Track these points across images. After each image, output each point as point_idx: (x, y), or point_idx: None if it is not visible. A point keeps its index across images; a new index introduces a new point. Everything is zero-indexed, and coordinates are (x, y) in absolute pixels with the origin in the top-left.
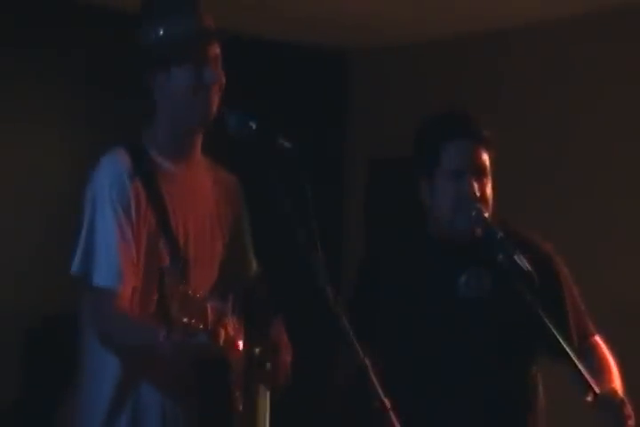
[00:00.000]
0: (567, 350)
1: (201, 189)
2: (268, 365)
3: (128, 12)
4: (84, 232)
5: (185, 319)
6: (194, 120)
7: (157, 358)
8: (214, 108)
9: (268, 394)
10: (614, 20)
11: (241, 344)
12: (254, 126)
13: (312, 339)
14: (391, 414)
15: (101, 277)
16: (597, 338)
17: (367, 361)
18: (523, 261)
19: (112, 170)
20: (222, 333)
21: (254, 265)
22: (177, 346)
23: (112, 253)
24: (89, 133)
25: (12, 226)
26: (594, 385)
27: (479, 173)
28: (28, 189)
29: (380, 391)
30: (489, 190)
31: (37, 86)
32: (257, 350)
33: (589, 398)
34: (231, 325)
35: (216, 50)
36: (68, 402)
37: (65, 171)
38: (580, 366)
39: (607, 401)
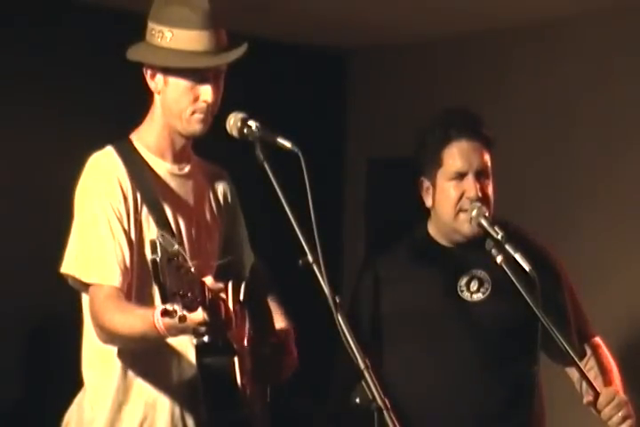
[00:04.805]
0: (567, 350)
1: (194, 186)
2: (272, 360)
3: (128, 11)
4: (74, 231)
5: (180, 291)
6: (185, 132)
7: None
8: (207, 124)
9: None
10: (614, 19)
11: (246, 333)
12: (254, 126)
13: (311, 339)
14: (391, 413)
15: (95, 275)
16: (597, 339)
17: (367, 361)
18: (523, 262)
19: (99, 168)
20: (222, 307)
21: (252, 256)
22: (173, 326)
23: (104, 251)
24: (88, 133)
25: (12, 226)
26: (594, 385)
27: (480, 173)
28: (28, 188)
29: (380, 391)
30: (490, 190)
31: (37, 86)
32: (264, 347)
33: (590, 398)
34: (227, 304)
35: (221, 66)
36: (74, 404)
37: (64, 170)
38: (581, 367)
39: (608, 401)
